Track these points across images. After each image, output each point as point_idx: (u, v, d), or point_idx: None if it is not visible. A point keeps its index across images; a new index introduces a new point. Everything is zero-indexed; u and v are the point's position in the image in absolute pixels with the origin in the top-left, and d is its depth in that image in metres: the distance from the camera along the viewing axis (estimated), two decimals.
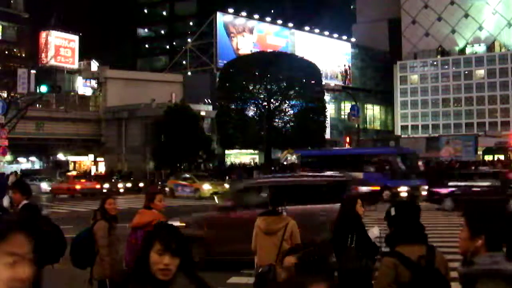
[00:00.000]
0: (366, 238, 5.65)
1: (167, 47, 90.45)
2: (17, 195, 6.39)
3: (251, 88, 46.07)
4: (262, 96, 45.83)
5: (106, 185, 37.77)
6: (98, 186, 36.91)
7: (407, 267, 3.19)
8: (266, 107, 45.26)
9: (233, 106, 46.48)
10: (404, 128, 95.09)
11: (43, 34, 60.50)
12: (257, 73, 46.02)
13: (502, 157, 50.03)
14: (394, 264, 3.23)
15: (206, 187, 33.01)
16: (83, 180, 39.60)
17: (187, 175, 35.94)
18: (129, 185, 39.93)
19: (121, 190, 38.23)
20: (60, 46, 66.28)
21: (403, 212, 3.49)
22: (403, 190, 25.67)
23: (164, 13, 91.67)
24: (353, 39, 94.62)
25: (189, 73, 71.19)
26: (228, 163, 56.92)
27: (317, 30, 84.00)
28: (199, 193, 32.68)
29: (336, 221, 6.03)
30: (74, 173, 48.64)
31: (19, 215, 5.81)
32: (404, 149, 34.34)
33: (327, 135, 57.06)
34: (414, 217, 3.48)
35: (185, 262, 2.55)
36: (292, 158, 62.10)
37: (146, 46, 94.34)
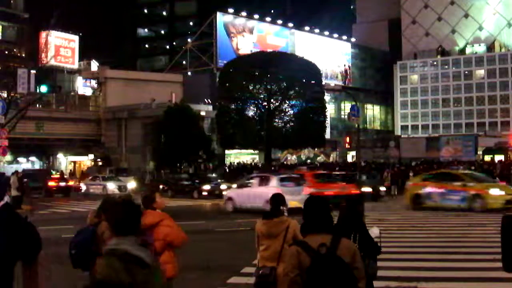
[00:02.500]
0: (369, 238, 5.64)
1: (167, 47, 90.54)
2: None
3: (251, 88, 45.97)
4: (262, 96, 45.73)
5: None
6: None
7: (308, 253, 3.41)
8: (266, 107, 45.18)
9: (233, 106, 46.39)
10: (404, 128, 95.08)
11: (43, 34, 60.33)
12: (257, 73, 45.91)
13: (502, 157, 49.90)
14: (296, 251, 3.47)
15: (496, 193, 20.35)
16: None
17: (454, 173, 23.28)
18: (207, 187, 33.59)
19: (204, 193, 32.75)
20: (60, 46, 66.21)
21: (311, 205, 3.68)
22: None
23: (164, 13, 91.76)
24: (353, 39, 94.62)
25: (189, 73, 71.18)
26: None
27: (317, 30, 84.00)
28: (485, 202, 19.93)
29: (338, 220, 5.99)
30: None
31: None
32: None
33: (327, 135, 57.04)
34: (322, 209, 3.65)
35: None
36: (292, 158, 62.12)
37: (146, 46, 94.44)
